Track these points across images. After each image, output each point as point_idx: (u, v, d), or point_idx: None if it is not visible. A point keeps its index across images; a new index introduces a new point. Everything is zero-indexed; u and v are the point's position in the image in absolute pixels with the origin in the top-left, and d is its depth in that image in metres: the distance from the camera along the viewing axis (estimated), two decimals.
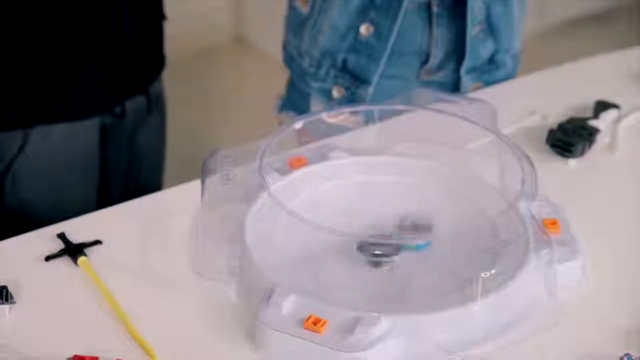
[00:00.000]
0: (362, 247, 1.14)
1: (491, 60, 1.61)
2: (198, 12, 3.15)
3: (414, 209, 1.22)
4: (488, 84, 1.61)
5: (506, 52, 1.62)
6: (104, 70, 1.56)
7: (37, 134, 1.53)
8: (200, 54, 3.18)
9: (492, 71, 1.61)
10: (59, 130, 1.54)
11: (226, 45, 3.37)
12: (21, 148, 1.53)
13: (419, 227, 1.20)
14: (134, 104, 1.63)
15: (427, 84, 1.56)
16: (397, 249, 1.14)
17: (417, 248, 1.15)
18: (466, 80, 1.58)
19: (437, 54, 1.56)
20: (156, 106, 1.68)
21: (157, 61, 1.67)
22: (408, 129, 1.34)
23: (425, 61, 1.57)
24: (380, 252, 1.14)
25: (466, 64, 1.57)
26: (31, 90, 1.51)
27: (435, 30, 1.54)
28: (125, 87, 1.60)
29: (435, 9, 1.53)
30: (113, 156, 1.66)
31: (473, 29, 1.54)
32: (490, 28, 1.57)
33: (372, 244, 1.14)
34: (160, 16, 1.66)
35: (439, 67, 1.58)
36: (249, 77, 3.22)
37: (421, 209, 1.22)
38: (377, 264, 1.14)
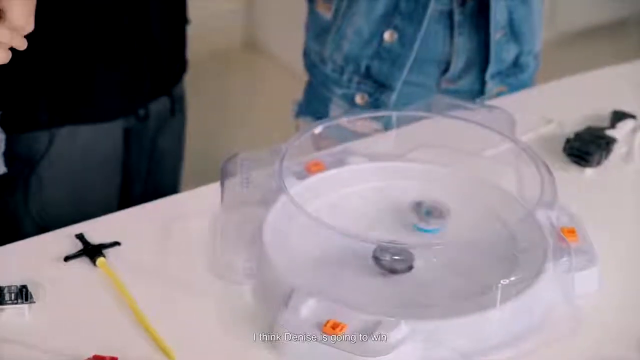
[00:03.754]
0: (376, 259, 1.15)
1: (515, 63, 1.61)
2: (210, 15, 3.16)
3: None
4: (512, 87, 1.61)
5: (529, 54, 1.62)
6: (130, 72, 1.56)
7: (63, 135, 1.53)
8: (211, 57, 3.19)
9: (517, 74, 1.62)
10: (85, 132, 1.55)
11: (238, 49, 3.37)
12: (47, 149, 1.53)
13: (434, 213, 1.21)
14: (158, 106, 1.64)
15: (448, 92, 1.56)
16: (412, 260, 1.15)
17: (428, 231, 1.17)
18: (491, 84, 1.59)
19: (458, 63, 1.56)
20: (179, 108, 1.69)
21: (180, 64, 1.68)
22: (426, 135, 1.34)
23: (446, 70, 1.57)
24: (394, 266, 1.14)
25: (491, 69, 1.57)
26: (59, 91, 1.52)
27: (456, 39, 1.54)
28: (150, 89, 1.61)
29: (457, 18, 1.53)
30: (135, 158, 1.66)
31: (496, 34, 1.54)
32: (513, 31, 1.57)
33: (385, 251, 1.14)
34: (184, 19, 1.67)
35: (460, 76, 1.58)
36: (260, 80, 3.22)
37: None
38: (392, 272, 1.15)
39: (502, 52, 1.57)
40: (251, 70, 3.29)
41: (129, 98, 1.60)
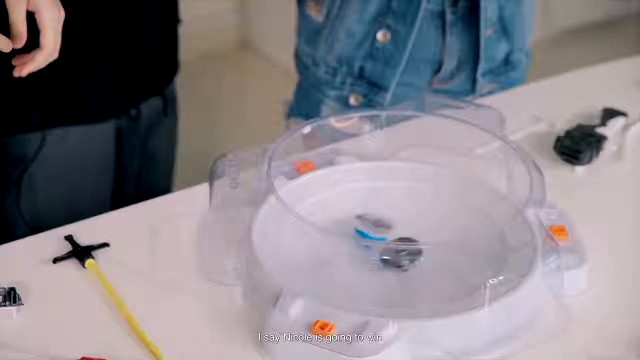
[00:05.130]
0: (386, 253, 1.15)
1: (506, 61, 1.61)
2: (203, 16, 3.16)
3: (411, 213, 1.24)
4: (504, 85, 1.61)
5: (520, 51, 1.62)
6: (122, 72, 1.56)
7: (54, 136, 1.53)
8: (205, 57, 3.19)
9: (508, 72, 1.62)
10: (76, 133, 1.55)
11: (231, 49, 3.37)
12: (39, 150, 1.53)
13: (378, 225, 1.21)
14: (149, 106, 1.64)
15: (440, 92, 1.56)
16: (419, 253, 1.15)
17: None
18: (482, 82, 1.58)
19: (450, 63, 1.56)
20: (171, 109, 1.69)
21: (172, 64, 1.68)
22: (415, 134, 1.34)
23: (438, 70, 1.57)
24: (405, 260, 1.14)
25: (481, 67, 1.57)
26: (50, 92, 1.52)
27: (448, 39, 1.54)
28: (142, 90, 1.61)
29: (449, 17, 1.53)
30: (127, 158, 1.66)
31: (486, 32, 1.54)
32: (504, 29, 1.57)
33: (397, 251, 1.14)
34: (176, 20, 1.67)
35: (451, 76, 1.58)
36: (254, 80, 3.22)
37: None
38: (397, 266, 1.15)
39: (492, 49, 1.57)
40: (244, 70, 3.29)
41: (121, 99, 1.60)
